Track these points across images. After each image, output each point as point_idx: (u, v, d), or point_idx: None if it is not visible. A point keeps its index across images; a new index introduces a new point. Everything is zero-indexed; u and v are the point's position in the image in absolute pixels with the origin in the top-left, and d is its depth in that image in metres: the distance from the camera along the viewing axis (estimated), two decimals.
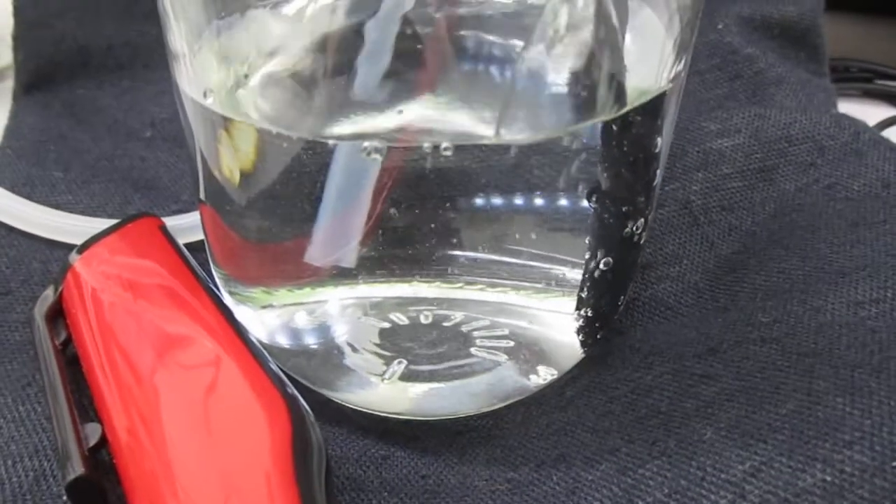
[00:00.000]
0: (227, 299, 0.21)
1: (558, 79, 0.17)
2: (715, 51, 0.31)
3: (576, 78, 0.17)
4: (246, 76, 0.18)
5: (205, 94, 0.18)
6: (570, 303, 0.20)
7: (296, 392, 0.17)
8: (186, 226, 0.26)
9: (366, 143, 0.16)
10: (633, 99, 0.18)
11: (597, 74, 0.18)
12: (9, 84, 0.36)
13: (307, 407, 0.17)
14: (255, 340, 0.19)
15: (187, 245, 0.25)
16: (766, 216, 0.25)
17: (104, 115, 0.33)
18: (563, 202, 0.19)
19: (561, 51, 0.17)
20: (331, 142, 0.17)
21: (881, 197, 0.24)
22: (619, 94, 0.18)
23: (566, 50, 0.17)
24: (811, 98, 0.30)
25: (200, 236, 0.23)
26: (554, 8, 0.17)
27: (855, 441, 0.16)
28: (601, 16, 0.18)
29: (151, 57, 0.34)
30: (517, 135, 0.17)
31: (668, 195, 0.26)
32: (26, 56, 0.34)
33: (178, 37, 0.18)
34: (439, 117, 0.18)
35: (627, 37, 0.19)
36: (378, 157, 0.17)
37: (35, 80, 0.34)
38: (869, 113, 0.37)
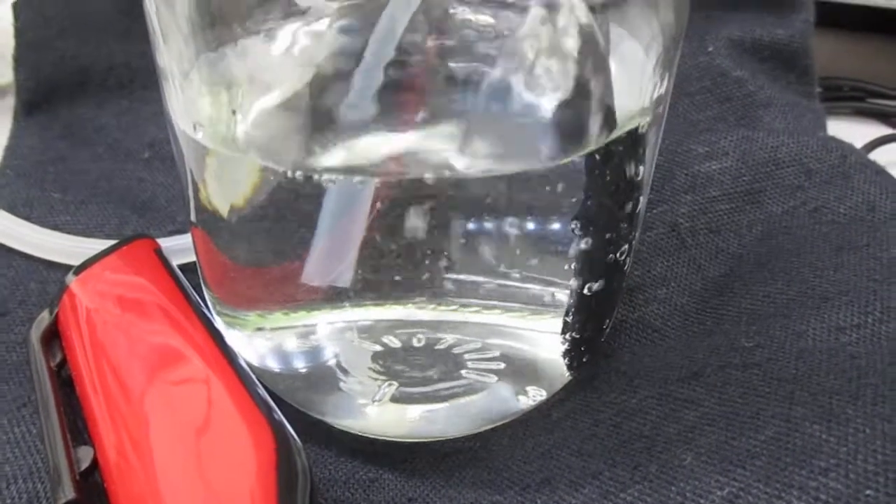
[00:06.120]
0: (218, 322, 0.22)
1: (544, 108, 0.18)
2: (705, 73, 0.31)
3: (563, 106, 0.18)
4: (234, 112, 0.18)
5: (195, 128, 0.18)
6: (560, 323, 0.20)
7: (282, 418, 0.18)
8: (181, 247, 0.27)
9: (355, 178, 0.17)
10: (617, 132, 0.18)
11: (586, 102, 0.18)
12: (11, 101, 0.36)
13: (293, 433, 0.17)
14: (244, 365, 0.20)
15: (182, 266, 0.25)
16: (752, 239, 0.26)
17: (103, 136, 0.34)
18: (553, 226, 0.19)
19: (541, 76, 0.17)
20: (320, 175, 0.17)
21: (866, 220, 0.25)
22: (610, 123, 0.18)
23: (548, 76, 0.17)
24: (800, 120, 0.31)
25: (194, 258, 0.24)
26: (533, 29, 0.18)
27: (830, 468, 0.16)
28: (586, 40, 0.18)
29: (150, 78, 0.35)
30: (503, 167, 0.17)
31: (657, 218, 0.26)
32: (27, 76, 0.35)
33: (167, 61, 0.19)
34: (428, 147, 0.19)
35: (611, 63, 0.19)
36: (368, 187, 0.17)
37: (35, 99, 0.35)
38: (860, 131, 0.38)
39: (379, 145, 0.18)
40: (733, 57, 0.32)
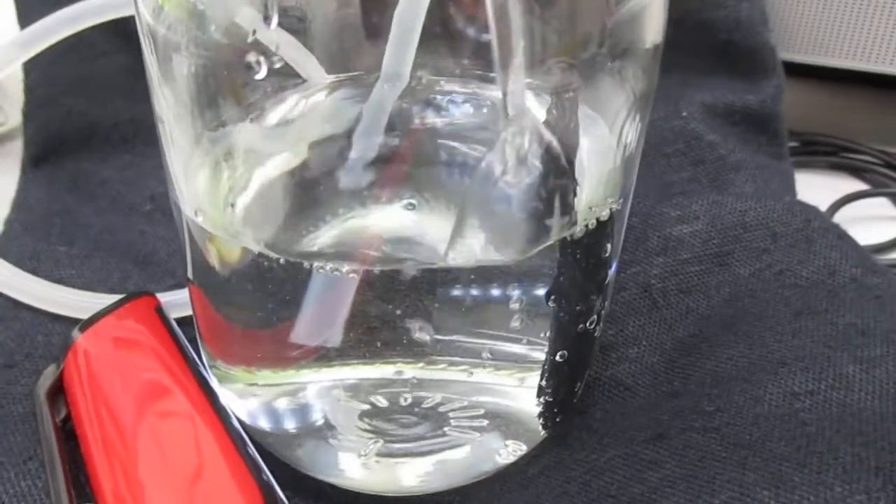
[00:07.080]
0: (212, 379, 0.23)
1: (513, 206, 0.19)
2: (679, 136, 0.33)
3: (530, 204, 0.19)
4: (233, 205, 0.20)
5: (196, 213, 0.19)
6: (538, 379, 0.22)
7: (271, 478, 0.19)
8: (180, 302, 0.28)
9: (344, 268, 0.18)
10: (585, 216, 0.20)
11: (550, 199, 0.19)
12: (18, 144, 0.38)
13: (282, 495, 0.19)
14: (236, 424, 0.21)
15: (180, 320, 0.26)
16: (720, 300, 0.27)
17: (107, 189, 0.35)
18: (534, 293, 0.20)
19: (514, 177, 0.19)
20: (311, 263, 0.18)
21: (826, 284, 0.26)
22: (571, 217, 0.20)
23: (520, 176, 0.19)
24: (769, 183, 0.32)
25: (191, 312, 0.25)
26: (508, 135, 0.19)
27: None
28: (550, 143, 0.20)
29: (151, 133, 0.36)
30: (487, 258, 0.19)
31: (630, 278, 0.28)
32: (35, 131, 0.36)
33: (171, 140, 0.20)
34: (417, 233, 0.20)
35: (580, 151, 0.20)
36: (353, 274, 0.18)
37: (43, 153, 0.36)
38: (834, 185, 0.39)
39: (367, 230, 0.19)
40: (706, 121, 0.33)
